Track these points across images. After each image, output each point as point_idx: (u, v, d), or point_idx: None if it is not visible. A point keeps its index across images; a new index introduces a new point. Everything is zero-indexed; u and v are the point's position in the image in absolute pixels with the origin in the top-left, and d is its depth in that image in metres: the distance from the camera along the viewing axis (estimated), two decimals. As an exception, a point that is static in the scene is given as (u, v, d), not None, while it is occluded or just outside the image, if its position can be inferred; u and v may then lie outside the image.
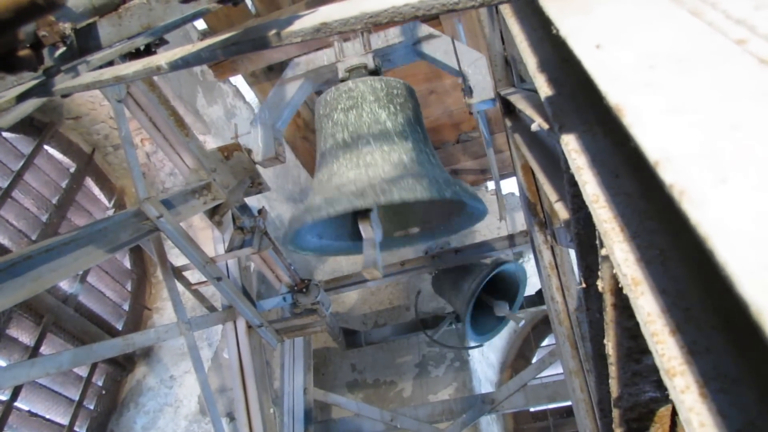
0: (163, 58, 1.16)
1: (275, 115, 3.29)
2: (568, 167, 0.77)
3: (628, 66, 0.48)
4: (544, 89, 0.88)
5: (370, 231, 2.47)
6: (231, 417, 4.14)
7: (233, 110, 5.31)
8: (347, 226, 3.13)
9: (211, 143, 4.55)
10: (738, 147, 0.34)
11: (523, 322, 5.65)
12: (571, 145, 0.72)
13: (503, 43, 2.95)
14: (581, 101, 0.83)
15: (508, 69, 2.99)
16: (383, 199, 2.32)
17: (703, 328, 0.49)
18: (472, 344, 4.99)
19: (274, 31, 0.89)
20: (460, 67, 3.02)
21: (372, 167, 2.50)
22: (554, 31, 0.64)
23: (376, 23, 0.77)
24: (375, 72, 2.99)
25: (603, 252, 0.64)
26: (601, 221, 0.60)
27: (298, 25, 0.86)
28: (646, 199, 0.61)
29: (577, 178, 0.68)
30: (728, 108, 0.38)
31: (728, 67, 0.42)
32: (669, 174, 0.35)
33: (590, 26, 0.58)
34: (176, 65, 1.12)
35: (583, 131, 0.75)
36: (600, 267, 0.73)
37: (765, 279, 0.26)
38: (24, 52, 0.64)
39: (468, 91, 3.05)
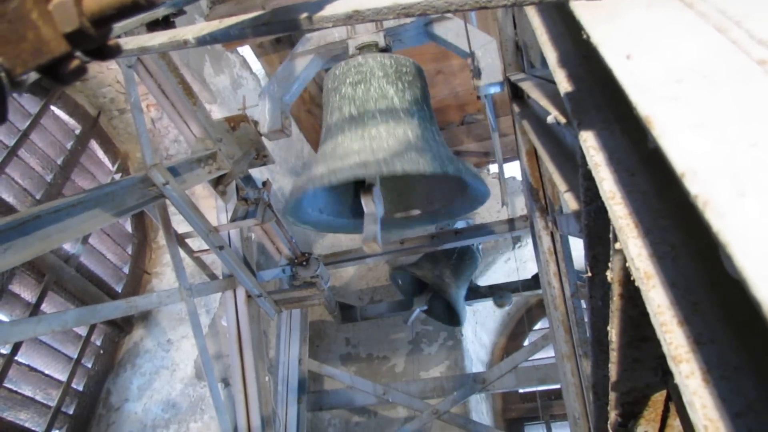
0: (190, 32, 1.18)
1: (284, 88, 3.30)
2: (584, 162, 0.80)
3: (656, 78, 0.51)
4: (564, 85, 0.91)
5: (372, 205, 2.47)
6: (226, 383, 4.21)
7: (240, 80, 5.31)
8: (349, 203, 3.16)
9: (216, 113, 4.57)
10: (755, 164, 0.39)
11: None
12: (589, 141, 0.76)
13: (515, 28, 2.97)
14: (600, 98, 0.86)
15: (519, 54, 3.01)
16: (386, 170, 2.34)
17: (709, 321, 0.53)
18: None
19: (305, 15, 0.91)
20: (470, 49, 3.02)
21: (377, 140, 2.51)
22: (584, 37, 0.67)
23: (408, 15, 0.79)
24: (385, 50, 3.00)
25: (617, 246, 0.68)
26: (617, 217, 0.64)
27: (330, 11, 0.88)
28: (660, 198, 0.65)
29: (594, 174, 0.71)
30: (748, 127, 0.42)
31: (750, 86, 0.46)
32: (694, 186, 0.39)
33: (620, 35, 0.62)
34: (204, 40, 1.15)
35: (602, 128, 0.78)
36: (611, 259, 0.77)
37: (776, 283, 0.31)
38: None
39: (477, 72, 3.05)
